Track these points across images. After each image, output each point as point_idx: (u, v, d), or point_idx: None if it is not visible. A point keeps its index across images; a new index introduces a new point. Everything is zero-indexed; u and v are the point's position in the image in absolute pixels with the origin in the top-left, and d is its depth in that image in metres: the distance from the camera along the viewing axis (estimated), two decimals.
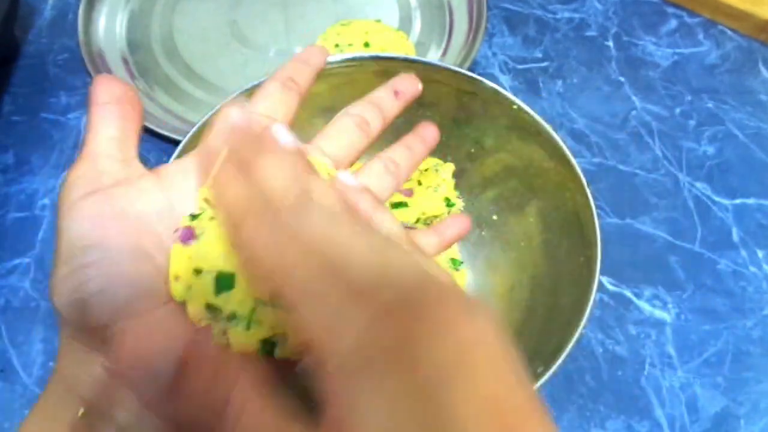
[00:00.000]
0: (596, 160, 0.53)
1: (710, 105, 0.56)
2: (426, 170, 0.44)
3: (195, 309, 0.20)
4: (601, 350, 0.44)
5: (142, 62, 0.56)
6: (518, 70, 0.58)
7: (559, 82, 0.57)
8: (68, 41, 0.58)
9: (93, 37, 0.56)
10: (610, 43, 0.60)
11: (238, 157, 0.20)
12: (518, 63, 0.58)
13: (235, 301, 0.20)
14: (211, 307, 0.20)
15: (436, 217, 0.42)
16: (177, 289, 0.20)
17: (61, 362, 0.21)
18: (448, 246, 0.30)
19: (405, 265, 0.17)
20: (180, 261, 0.20)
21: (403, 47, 0.55)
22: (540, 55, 0.59)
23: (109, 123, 0.22)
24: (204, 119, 0.37)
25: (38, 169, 0.50)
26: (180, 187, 0.22)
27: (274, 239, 0.17)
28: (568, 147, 0.37)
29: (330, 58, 0.39)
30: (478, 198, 0.45)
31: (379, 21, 0.58)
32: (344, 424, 0.15)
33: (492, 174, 0.44)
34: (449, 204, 0.42)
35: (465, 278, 0.44)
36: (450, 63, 0.53)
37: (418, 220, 0.42)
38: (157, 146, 0.51)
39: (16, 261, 0.46)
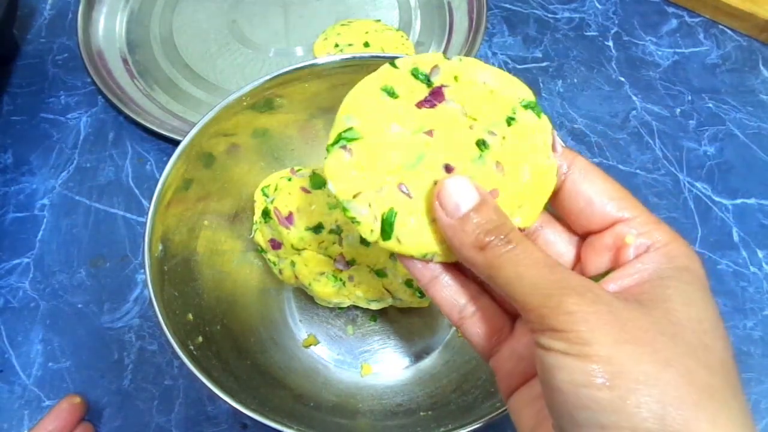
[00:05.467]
0: (596, 160, 0.53)
1: (711, 105, 0.56)
2: None
3: None
4: None
5: (141, 62, 0.56)
6: (518, 70, 0.58)
7: (559, 82, 0.57)
8: (68, 41, 0.57)
9: (92, 37, 0.56)
10: (611, 43, 0.60)
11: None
12: (518, 63, 0.58)
13: None
14: None
15: None
16: None
17: None
18: None
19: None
20: None
21: (403, 47, 0.55)
22: (540, 55, 0.59)
23: None
24: (204, 119, 0.37)
25: (37, 169, 0.50)
26: None
27: None
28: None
29: (330, 58, 0.39)
30: None
31: (379, 21, 0.57)
32: None
33: None
34: None
35: None
36: None
37: None
38: (156, 146, 0.51)
39: (16, 261, 0.46)
